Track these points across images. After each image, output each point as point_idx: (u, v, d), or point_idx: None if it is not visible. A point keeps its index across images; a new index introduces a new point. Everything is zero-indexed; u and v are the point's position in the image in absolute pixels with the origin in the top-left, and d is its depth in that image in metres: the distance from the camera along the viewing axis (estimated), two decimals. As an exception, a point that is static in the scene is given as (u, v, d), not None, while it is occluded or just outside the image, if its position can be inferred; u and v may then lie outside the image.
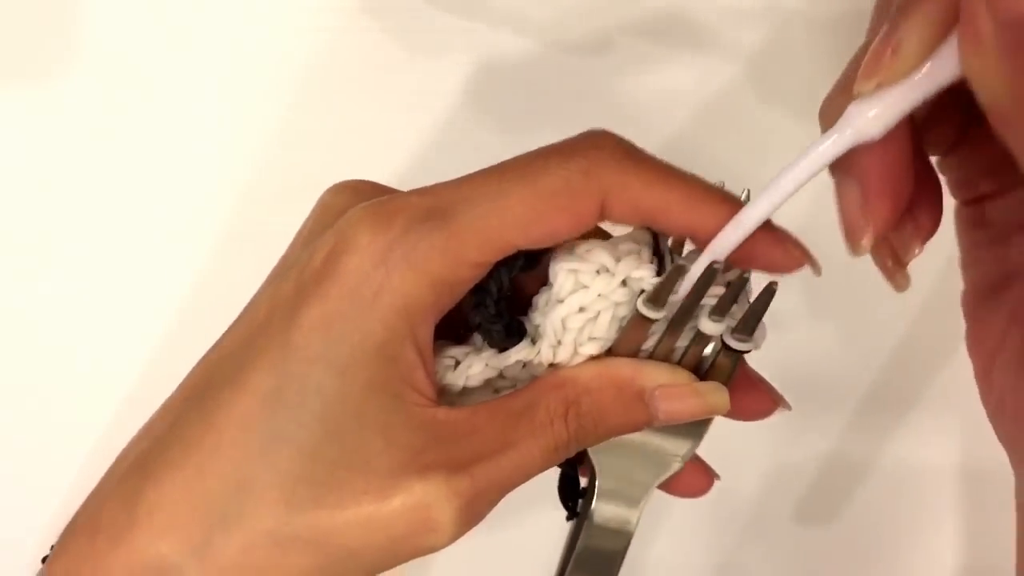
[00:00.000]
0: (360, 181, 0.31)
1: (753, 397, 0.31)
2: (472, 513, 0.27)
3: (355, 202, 0.28)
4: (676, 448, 0.30)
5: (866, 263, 0.28)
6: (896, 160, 0.25)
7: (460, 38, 0.46)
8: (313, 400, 0.27)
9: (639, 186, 0.27)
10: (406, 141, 0.45)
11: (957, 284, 0.31)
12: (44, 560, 0.29)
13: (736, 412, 0.30)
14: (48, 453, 0.40)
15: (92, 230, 0.46)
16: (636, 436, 0.30)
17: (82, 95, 0.46)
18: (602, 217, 0.27)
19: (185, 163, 0.46)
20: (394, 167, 0.45)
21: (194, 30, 0.47)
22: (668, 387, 0.29)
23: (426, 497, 0.26)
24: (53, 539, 0.30)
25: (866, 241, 0.26)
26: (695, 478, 0.32)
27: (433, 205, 0.27)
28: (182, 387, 0.29)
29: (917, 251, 0.28)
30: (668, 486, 0.32)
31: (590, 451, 0.31)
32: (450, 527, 0.27)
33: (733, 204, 0.27)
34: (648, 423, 0.29)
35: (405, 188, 0.29)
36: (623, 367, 0.29)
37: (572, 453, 0.29)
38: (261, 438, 0.27)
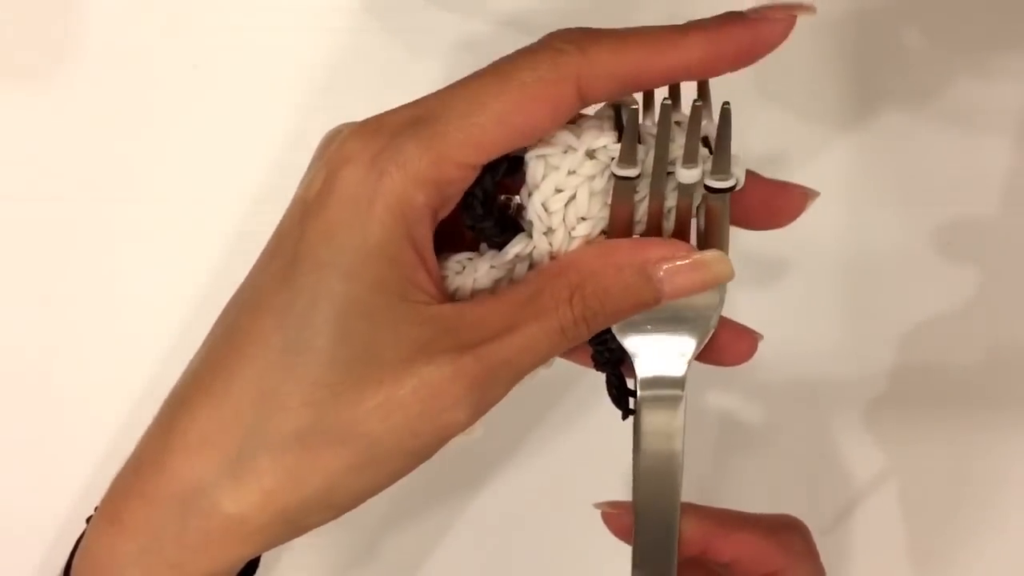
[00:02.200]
0: (348, 122, 0.32)
1: (784, 198, 0.32)
2: (483, 390, 0.28)
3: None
4: (701, 312, 0.31)
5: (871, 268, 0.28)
6: None
7: (460, 38, 0.46)
8: (324, 305, 0.28)
9: (606, 57, 0.28)
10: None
11: (965, 282, 0.31)
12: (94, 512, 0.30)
13: (772, 219, 0.32)
14: (62, 453, 0.41)
15: (93, 230, 0.46)
16: (659, 312, 0.31)
17: (82, 95, 0.46)
18: (584, 101, 0.29)
19: (185, 163, 0.46)
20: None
21: (195, 30, 0.47)
22: (671, 264, 0.30)
23: (434, 376, 0.28)
24: (68, 536, 0.30)
25: None
26: (737, 342, 0.32)
27: (417, 114, 0.29)
28: (212, 327, 0.30)
29: None
30: (712, 356, 0.32)
31: (619, 337, 0.31)
32: (463, 402, 0.28)
33: (700, 29, 0.29)
34: (656, 299, 0.30)
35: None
36: (621, 246, 0.30)
37: (584, 335, 0.30)
38: (278, 349, 0.28)
